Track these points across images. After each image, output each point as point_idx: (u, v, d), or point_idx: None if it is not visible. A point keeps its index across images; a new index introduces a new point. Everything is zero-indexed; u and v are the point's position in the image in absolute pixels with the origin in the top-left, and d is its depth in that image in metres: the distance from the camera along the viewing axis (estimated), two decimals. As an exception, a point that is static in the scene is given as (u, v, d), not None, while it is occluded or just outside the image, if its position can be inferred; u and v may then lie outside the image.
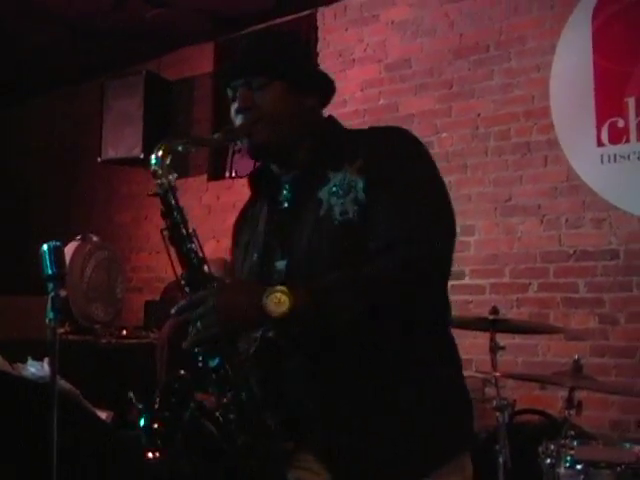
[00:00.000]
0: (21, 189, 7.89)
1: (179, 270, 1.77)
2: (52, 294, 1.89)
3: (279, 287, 1.58)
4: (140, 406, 1.69)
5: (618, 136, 4.41)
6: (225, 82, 1.87)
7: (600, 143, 4.47)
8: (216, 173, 6.33)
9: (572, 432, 2.94)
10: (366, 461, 1.67)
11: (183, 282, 1.73)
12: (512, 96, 4.84)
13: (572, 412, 2.91)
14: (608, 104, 4.47)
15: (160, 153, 1.73)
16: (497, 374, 3.43)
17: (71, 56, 6.82)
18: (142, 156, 6.41)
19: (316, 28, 5.79)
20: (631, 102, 4.39)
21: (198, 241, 1.77)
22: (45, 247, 1.92)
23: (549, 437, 3.03)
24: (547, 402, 4.04)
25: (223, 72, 1.93)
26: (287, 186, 1.85)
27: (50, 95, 7.74)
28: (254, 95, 1.80)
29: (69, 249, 5.38)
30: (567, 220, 4.56)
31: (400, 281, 1.63)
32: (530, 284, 4.64)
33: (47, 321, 1.87)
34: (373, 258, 1.64)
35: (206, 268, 1.74)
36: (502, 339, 3.59)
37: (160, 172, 1.74)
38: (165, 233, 1.76)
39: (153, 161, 1.74)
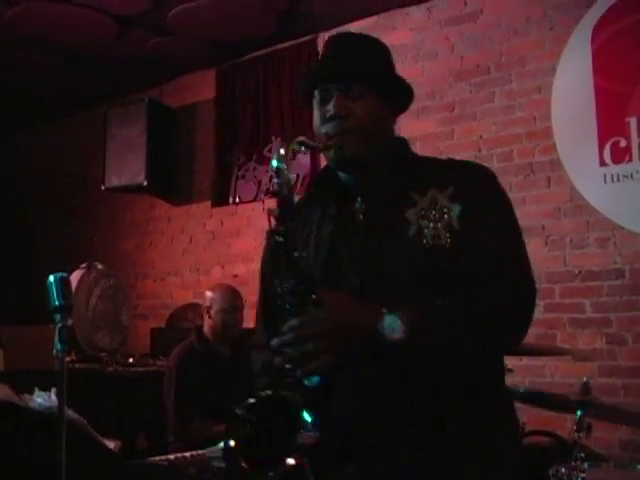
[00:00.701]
0: (24, 217, 7.91)
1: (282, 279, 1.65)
2: (60, 325, 1.88)
3: (394, 312, 1.56)
4: (247, 418, 1.52)
5: (621, 156, 4.42)
6: (319, 82, 1.81)
7: (603, 163, 4.48)
8: (220, 199, 6.35)
9: (582, 454, 2.92)
10: None
11: (289, 292, 1.61)
12: (514, 117, 4.85)
13: (582, 434, 2.88)
14: (610, 124, 4.48)
15: (282, 152, 1.66)
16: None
17: (74, 85, 6.86)
18: (146, 183, 6.44)
19: (317, 53, 5.81)
20: (633, 122, 4.40)
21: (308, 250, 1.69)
22: (52, 278, 1.92)
23: (559, 459, 3.01)
24: (556, 423, 4.01)
25: (319, 71, 1.85)
26: (360, 199, 1.80)
27: (53, 124, 7.78)
28: (351, 104, 1.76)
29: (74, 278, 5.39)
30: (572, 240, 4.56)
31: (508, 317, 1.68)
32: (536, 305, 4.60)
33: (55, 352, 1.86)
34: (475, 289, 1.64)
35: (314, 279, 1.64)
36: (509, 361, 3.57)
37: (284, 170, 1.65)
38: (277, 238, 1.63)
39: (277, 159, 1.65)
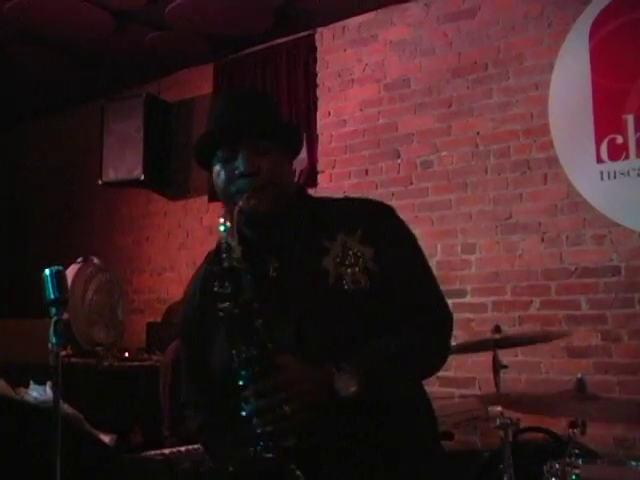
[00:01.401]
0: (21, 211, 7.90)
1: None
2: (55, 319, 1.88)
3: (343, 370, 1.64)
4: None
5: (617, 153, 4.43)
6: (224, 141, 1.81)
7: (600, 160, 4.48)
8: (217, 194, 6.33)
9: (577, 450, 2.92)
10: None
11: (252, 361, 1.63)
12: (511, 114, 4.85)
13: (576, 430, 2.89)
14: (607, 121, 4.48)
15: (229, 224, 1.68)
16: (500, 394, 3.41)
17: (71, 79, 6.85)
18: (142, 178, 6.43)
19: (315, 49, 5.82)
20: (630, 119, 4.41)
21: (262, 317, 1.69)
22: (47, 272, 1.92)
23: (554, 455, 3.01)
24: (551, 420, 4.02)
25: (223, 130, 1.83)
26: (272, 256, 1.81)
27: (50, 118, 7.77)
28: (258, 160, 1.76)
29: (70, 272, 5.38)
30: (568, 237, 4.56)
31: (439, 348, 1.85)
32: (532, 302, 4.63)
33: (50, 346, 1.86)
34: (404, 324, 1.76)
35: (270, 346, 1.65)
36: (505, 356, 3.59)
37: (232, 241, 1.67)
38: (233, 310, 1.64)
39: (225, 233, 1.68)
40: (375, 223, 1.83)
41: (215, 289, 1.67)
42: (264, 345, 1.64)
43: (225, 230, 1.67)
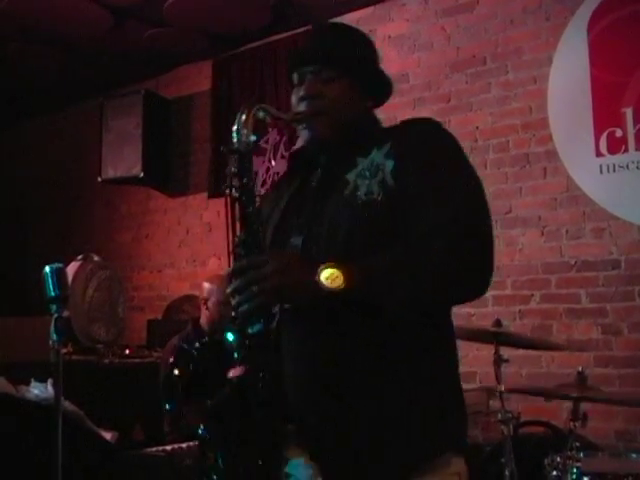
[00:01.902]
0: (21, 209, 7.90)
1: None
2: (55, 316, 1.88)
3: (333, 263, 1.59)
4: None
5: (616, 146, 4.42)
6: (294, 66, 1.90)
7: (599, 153, 4.48)
8: (216, 190, 6.34)
9: (577, 443, 2.93)
10: (350, 453, 1.67)
11: (238, 244, 1.70)
12: (510, 108, 4.85)
13: (577, 423, 2.89)
14: (606, 114, 4.48)
15: (244, 117, 1.73)
16: (502, 388, 3.40)
17: (69, 77, 6.84)
18: (142, 175, 6.43)
19: (313, 44, 5.80)
20: (628, 112, 4.40)
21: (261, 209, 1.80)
22: (48, 269, 1.92)
23: (555, 449, 3.02)
24: (552, 413, 4.03)
25: (295, 55, 1.94)
26: (320, 169, 1.88)
27: (49, 115, 7.76)
28: (322, 86, 1.83)
29: (70, 269, 5.38)
30: (567, 231, 4.56)
31: (452, 267, 1.63)
32: (532, 295, 4.63)
33: (51, 343, 1.86)
34: (420, 241, 1.65)
35: (261, 236, 1.73)
36: (506, 350, 3.59)
37: (244, 130, 1.73)
38: (233, 192, 1.71)
39: (237, 120, 1.74)
40: (404, 136, 1.79)
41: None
42: (253, 232, 1.69)
43: (239, 122, 1.73)
